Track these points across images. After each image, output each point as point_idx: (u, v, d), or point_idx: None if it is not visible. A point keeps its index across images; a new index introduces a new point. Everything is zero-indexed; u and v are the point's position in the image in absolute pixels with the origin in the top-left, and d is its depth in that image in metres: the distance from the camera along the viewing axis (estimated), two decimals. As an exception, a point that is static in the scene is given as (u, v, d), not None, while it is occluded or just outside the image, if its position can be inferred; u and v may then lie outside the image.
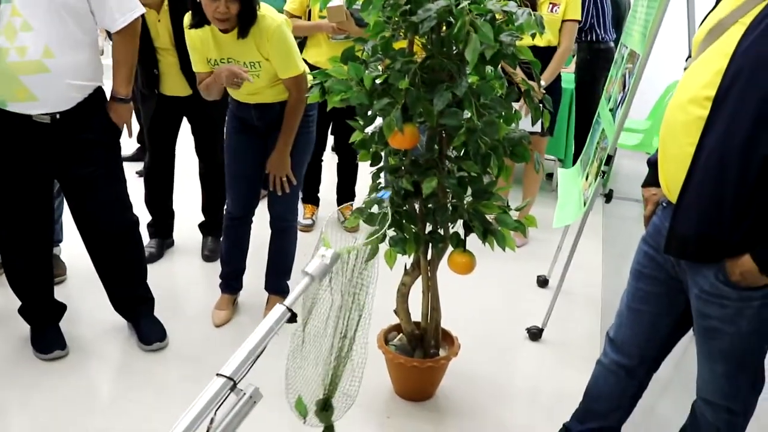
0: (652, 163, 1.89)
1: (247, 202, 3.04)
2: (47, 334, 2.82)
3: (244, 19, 2.57)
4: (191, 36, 2.71)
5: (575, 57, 5.27)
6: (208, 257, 3.73)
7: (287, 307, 1.35)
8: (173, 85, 3.35)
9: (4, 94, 2.34)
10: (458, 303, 3.04)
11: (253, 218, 3.11)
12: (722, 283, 1.63)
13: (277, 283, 3.18)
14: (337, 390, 1.95)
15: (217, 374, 1.20)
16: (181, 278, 3.62)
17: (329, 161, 4.40)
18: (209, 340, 2.97)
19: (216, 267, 3.25)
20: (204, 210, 3.80)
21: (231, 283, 3.18)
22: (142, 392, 2.60)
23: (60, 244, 3.47)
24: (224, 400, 1.18)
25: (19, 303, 2.82)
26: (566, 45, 3.75)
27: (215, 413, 1.17)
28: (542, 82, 3.68)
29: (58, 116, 2.44)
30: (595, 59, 4.91)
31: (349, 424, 1.93)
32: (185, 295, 3.43)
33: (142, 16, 2.56)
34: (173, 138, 3.60)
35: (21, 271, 2.75)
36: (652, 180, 1.88)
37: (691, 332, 1.90)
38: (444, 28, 2.04)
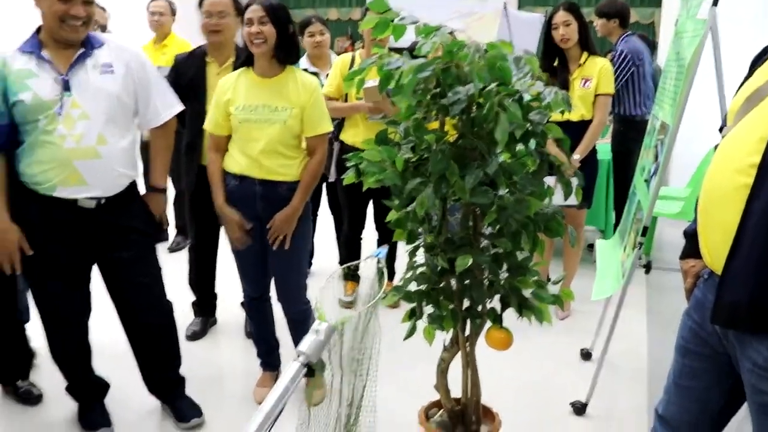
0: (690, 234, 1.86)
1: (261, 282, 3.08)
2: (93, 412, 2.88)
3: (282, 46, 2.70)
4: (220, 85, 2.80)
5: (611, 126, 5.27)
6: (250, 334, 3.74)
7: (302, 363, 1.34)
8: None
9: (57, 179, 2.46)
10: (499, 378, 3.00)
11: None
12: None
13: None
14: None
15: None
16: (225, 356, 3.66)
17: (369, 240, 4.43)
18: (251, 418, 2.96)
19: (259, 344, 3.27)
20: (246, 289, 3.85)
21: (268, 360, 3.21)
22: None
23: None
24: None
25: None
26: (600, 118, 3.80)
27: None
28: (577, 156, 3.72)
29: (102, 201, 2.56)
30: (628, 131, 4.88)
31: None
32: (228, 373, 3.46)
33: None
34: (216, 216, 3.65)
35: (61, 351, 2.81)
36: (690, 251, 1.85)
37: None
38: (474, 108, 2.10)
